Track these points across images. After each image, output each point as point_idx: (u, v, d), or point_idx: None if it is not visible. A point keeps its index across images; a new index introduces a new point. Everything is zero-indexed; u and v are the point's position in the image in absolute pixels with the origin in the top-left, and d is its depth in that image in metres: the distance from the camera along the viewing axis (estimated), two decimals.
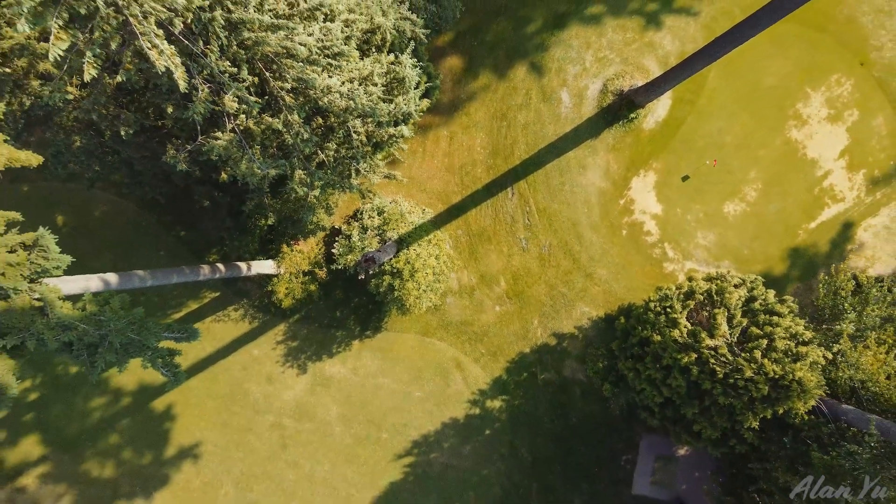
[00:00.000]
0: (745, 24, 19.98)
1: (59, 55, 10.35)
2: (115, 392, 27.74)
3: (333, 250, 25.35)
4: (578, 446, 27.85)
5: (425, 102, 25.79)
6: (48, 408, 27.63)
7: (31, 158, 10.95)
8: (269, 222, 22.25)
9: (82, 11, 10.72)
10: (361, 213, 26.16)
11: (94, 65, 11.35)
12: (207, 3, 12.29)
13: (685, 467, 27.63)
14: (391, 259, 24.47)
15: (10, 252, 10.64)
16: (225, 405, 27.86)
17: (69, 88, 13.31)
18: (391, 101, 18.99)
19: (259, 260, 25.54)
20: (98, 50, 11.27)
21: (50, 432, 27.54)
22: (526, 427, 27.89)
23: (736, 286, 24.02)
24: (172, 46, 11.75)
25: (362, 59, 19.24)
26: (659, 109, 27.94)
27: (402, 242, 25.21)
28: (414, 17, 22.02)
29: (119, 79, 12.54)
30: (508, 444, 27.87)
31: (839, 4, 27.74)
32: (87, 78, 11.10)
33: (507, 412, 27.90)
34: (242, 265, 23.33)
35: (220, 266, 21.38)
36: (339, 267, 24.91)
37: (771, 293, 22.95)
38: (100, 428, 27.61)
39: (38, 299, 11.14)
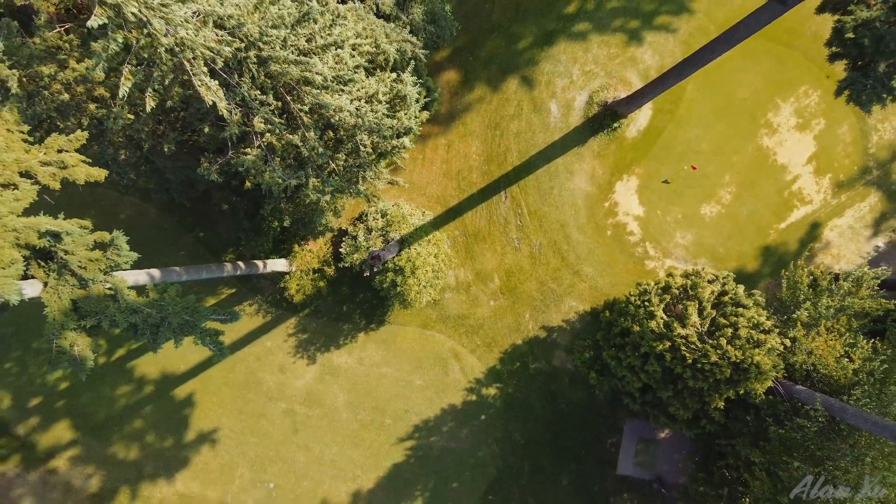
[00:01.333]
0: (719, 41, 22.46)
1: (126, 91, 13.10)
2: (139, 381, 30.52)
3: (341, 249, 28.10)
4: (567, 430, 30.58)
5: (425, 114, 28.61)
6: (78, 396, 30.40)
7: (101, 174, 13.66)
8: (285, 224, 24.94)
9: (146, 55, 13.51)
10: (366, 216, 28.91)
11: (153, 98, 14.12)
12: (244, 44, 15.05)
13: (665, 449, 30.35)
14: (394, 257, 27.23)
15: (89, 250, 13.37)
16: (240, 393, 30.63)
17: (126, 115, 16.04)
18: (394, 117, 21.75)
19: (273, 259, 28.30)
20: (157, 85, 14.06)
21: (79, 418, 30.30)
22: (518, 412, 30.63)
23: (710, 281, 26.72)
24: (216, 81, 14.53)
25: (368, 77, 21.99)
26: (641, 119, 30.70)
27: (404, 242, 27.95)
28: (414, 38, 24.85)
29: (168, 104, 15.32)
30: (502, 428, 30.61)
31: (806, 21, 30.48)
32: (148, 109, 13.87)
33: (501, 399, 30.64)
34: (259, 263, 26.12)
35: (241, 264, 24.15)
36: (346, 265, 27.68)
37: (741, 288, 25.64)
38: (125, 414, 30.38)
39: (109, 288, 13.85)
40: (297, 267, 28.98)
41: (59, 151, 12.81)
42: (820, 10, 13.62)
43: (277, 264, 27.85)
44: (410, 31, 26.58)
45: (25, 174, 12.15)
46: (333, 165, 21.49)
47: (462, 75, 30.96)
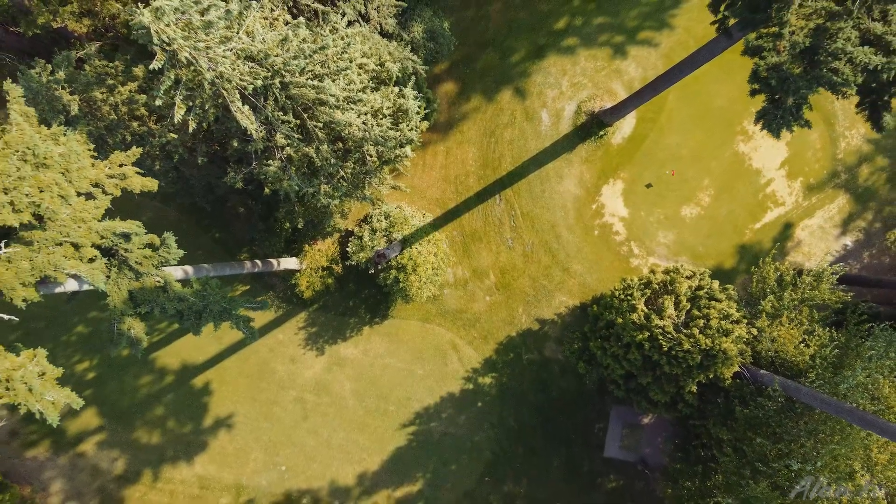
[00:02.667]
0: (686, 62, 25.18)
1: (180, 118, 15.94)
2: (160, 371, 33.39)
3: (347, 249, 30.94)
4: (557, 416, 33.40)
5: (424, 124, 31.45)
6: (104, 385, 33.26)
7: (153, 184, 16.44)
8: (298, 225, 27.77)
9: (192, 86, 16.38)
10: (371, 218, 31.74)
11: (195, 120, 16.98)
12: (269, 73, 17.91)
13: (648, 433, 33.16)
14: (397, 256, 30.07)
15: (143, 248, 16.15)
16: (254, 382, 33.48)
17: (170, 135, 18.87)
18: (397, 129, 24.58)
19: (285, 257, 31.16)
20: (199, 110, 16.93)
21: (105, 406, 33.15)
22: (512, 400, 33.46)
23: (688, 277, 29.51)
24: (247, 106, 17.40)
25: (373, 92, 24.83)
26: (625, 127, 33.52)
27: (406, 242, 30.78)
28: (414, 56, 27.69)
29: (204, 125, 18.20)
30: (497, 414, 33.44)
31: None
32: (190, 129, 16.73)
33: (497, 387, 33.47)
34: (273, 261, 28.97)
35: (258, 262, 27.01)
36: (353, 263, 30.53)
37: (715, 283, 28.42)
38: (148, 402, 33.24)
39: (159, 281, 16.62)
40: (307, 265, 31.83)
41: (121, 165, 15.61)
42: (743, 53, 16.32)
43: (289, 262, 30.69)
44: (411, 49, 29.42)
45: (96, 185, 14.92)
46: (342, 173, 24.32)
47: (459, 87, 33.82)
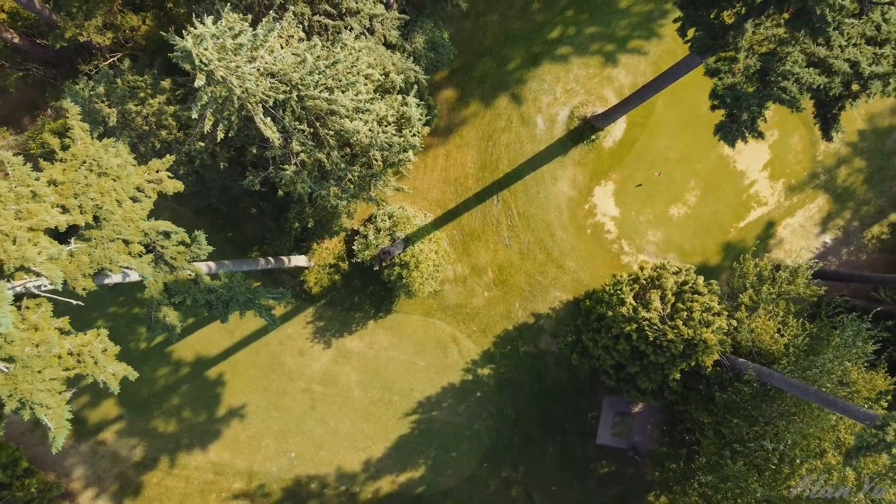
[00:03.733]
0: (667, 74, 27.57)
1: (211, 128, 18.20)
2: (176, 363, 35.63)
3: (353, 247, 33.17)
4: (552, 405, 35.65)
5: (426, 129, 33.79)
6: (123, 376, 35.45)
7: (181, 185, 18.66)
8: (308, 225, 30.01)
9: (221, 101, 18.64)
10: (375, 217, 33.97)
11: (223, 130, 19.23)
12: (288, 88, 20.16)
13: (639, 421, 35.40)
14: (400, 253, 32.32)
15: (177, 245, 18.36)
16: (265, 374, 35.72)
17: (198, 143, 21.11)
18: (400, 135, 26.81)
19: (295, 255, 33.41)
20: (226, 121, 19.18)
21: (124, 396, 35.34)
22: (510, 390, 35.70)
23: (674, 273, 31.77)
24: (269, 117, 19.64)
25: (379, 100, 27.05)
26: (616, 131, 35.78)
27: (408, 240, 33.02)
28: (416, 67, 29.89)
29: (230, 134, 20.47)
30: (495, 403, 35.68)
31: None
32: (219, 139, 18.98)
33: (495, 378, 35.71)
34: (284, 259, 31.23)
35: (271, 259, 29.27)
36: (358, 260, 32.77)
37: (700, 278, 30.61)
38: (165, 392, 35.49)
39: (190, 274, 18.81)
40: (315, 262, 34.09)
41: (157, 171, 17.82)
42: (704, 74, 18.51)
43: (299, 260, 32.94)
44: (413, 59, 31.64)
45: (139, 189, 17.12)
46: (350, 176, 26.56)
47: (459, 93, 36.07)
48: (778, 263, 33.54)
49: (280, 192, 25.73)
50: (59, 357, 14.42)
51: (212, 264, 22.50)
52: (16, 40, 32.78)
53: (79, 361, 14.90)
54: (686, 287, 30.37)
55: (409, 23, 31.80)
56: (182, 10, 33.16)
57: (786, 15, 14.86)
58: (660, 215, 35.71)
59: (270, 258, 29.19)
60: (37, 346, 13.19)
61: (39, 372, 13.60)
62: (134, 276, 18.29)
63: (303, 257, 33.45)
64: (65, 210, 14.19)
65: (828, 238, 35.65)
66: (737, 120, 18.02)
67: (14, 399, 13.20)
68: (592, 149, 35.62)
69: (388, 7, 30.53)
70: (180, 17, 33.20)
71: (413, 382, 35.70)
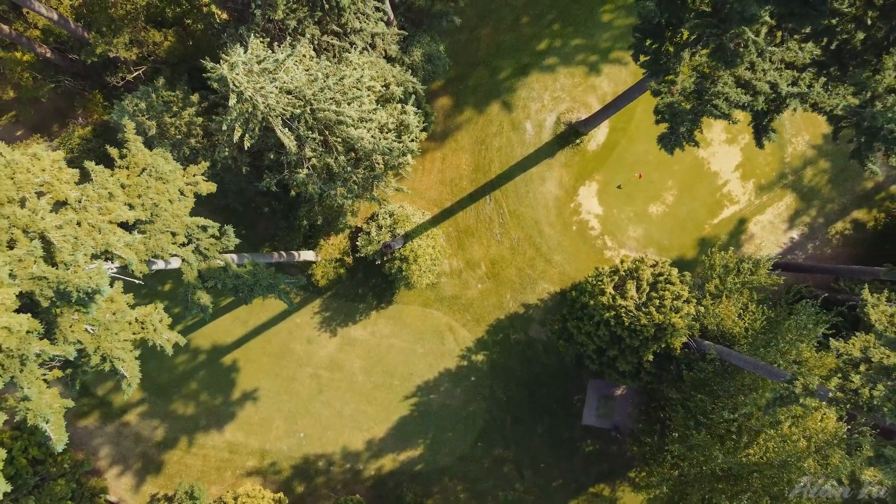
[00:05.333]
0: (635, 88, 31.07)
1: (238, 138, 21.89)
2: (194, 351, 39.36)
3: (357, 243, 36.86)
4: (541, 389, 39.30)
5: (423, 135, 37.42)
6: (145, 363, 38.71)
7: (213, 187, 22.28)
8: (318, 222, 33.73)
9: (247, 115, 22.37)
10: (377, 216, 37.64)
11: (248, 140, 22.95)
12: (302, 102, 23.88)
13: (620, 403, 39.04)
14: (400, 248, 36.01)
15: (209, 237, 22.00)
16: (276, 360, 39.42)
17: (225, 150, 24.85)
18: (400, 141, 30.51)
19: (303, 250, 37.13)
20: (250, 132, 22.91)
21: (147, 381, 39.04)
22: (502, 375, 39.37)
23: (651, 266, 35.42)
24: (286, 128, 23.37)
25: (381, 109, 30.74)
26: (599, 135, 39.47)
27: (408, 237, 36.69)
28: (414, 78, 33.60)
29: (253, 141, 24.19)
30: (489, 387, 39.35)
31: None
32: (245, 147, 22.69)
33: (488, 364, 39.38)
34: (295, 253, 34.97)
35: (283, 253, 32.99)
36: (362, 255, 36.45)
37: (674, 270, 34.21)
38: (184, 378, 39.21)
39: (220, 262, 22.44)
40: (322, 257, 37.81)
41: (194, 175, 21.49)
42: (651, 94, 22.18)
43: (308, 255, 36.67)
44: (411, 72, 35.34)
45: (180, 191, 20.78)
46: (355, 178, 30.27)
47: (454, 101, 39.79)
48: (742, 256, 37.15)
49: (292, 193, 29.49)
50: (129, 323, 18.10)
51: (234, 256, 26.21)
52: (48, 55, 36.51)
53: (142, 328, 18.60)
54: (661, 278, 34.02)
55: (408, 38, 35.48)
56: (199, 26, 37.05)
57: (708, 49, 18.51)
58: (640, 213, 39.38)
59: (283, 252, 32.91)
60: (113, 313, 16.89)
61: (116, 334, 17.25)
62: (174, 264, 21.97)
63: (311, 252, 37.16)
64: (131, 207, 17.87)
65: (795, 234, 39.30)
66: (676, 132, 21.68)
67: (98, 354, 16.80)
68: (577, 152, 39.30)
69: (388, 24, 34.21)
70: (198, 32, 37.09)
71: (412, 368, 39.36)
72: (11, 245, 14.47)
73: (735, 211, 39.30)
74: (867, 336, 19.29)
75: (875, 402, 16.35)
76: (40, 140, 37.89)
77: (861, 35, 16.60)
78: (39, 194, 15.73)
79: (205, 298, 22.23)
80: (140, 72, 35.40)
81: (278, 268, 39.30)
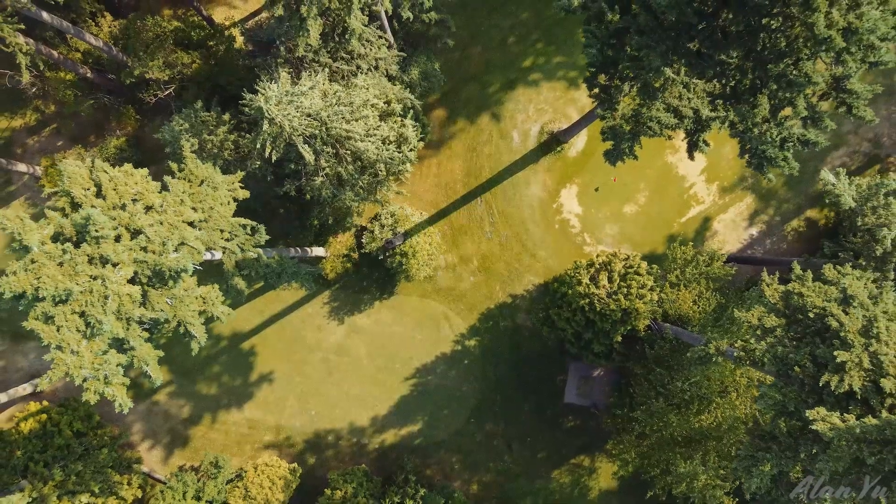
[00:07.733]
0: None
1: (270, 153, 27.85)
2: (216, 338, 45.33)
3: (362, 240, 42.84)
4: (527, 370, 45.19)
5: (420, 144, 43.40)
6: (172, 349, 44.97)
7: (246, 193, 28.20)
8: (328, 222, 39.70)
9: (275, 135, 28.37)
10: (380, 216, 43.56)
11: (275, 154, 28.95)
12: (318, 122, 29.84)
13: (598, 383, 44.92)
14: (400, 245, 41.97)
15: (246, 234, 27.88)
16: (289, 346, 45.36)
17: (255, 161, 30.84)
18: (400, 151, 36.45)
19: (315, 247, 43.13)
20: (277, 148, 28.88)
21: (174, 364, 45.03)
22: (492, 358, 45.27)
23: (623, 259, 41.33)
24: (306, 145, 29.35)
25: (383, 123, 36.64)
26: (578, 143, 45.40)
27: (407, 234, 42.64)
28: (412, 95, 39.55)
29: (279, 155, 30.17)
30: (480, 369, 45.26)
31: None
32: (273, 160, 28.67)
33: (480, 348, 45.29)
34: (308, 249, 40.98)
35: (298, 249, 38.98)
36: (366, 251, 42.43)
37: (644, 263, 40.02)
38: (207, 361, 45.17)
39: (253, 255, 28.30)
40: (331, 253, 43.81)
41: (232, 183, 27.45)
42: (598, 118, 27.95)
43: (318, 251, 42.67)
44: (410, 88, 41.28)
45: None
46: (361, 183, 36.21)
47: (448, 113, 45.77)
48: (700, 251, 43.11)
49: (307, 196, 35.49)
50: (195, 298, 24.01)
51: (260, 251, 32.23)
52: (88, 74, 42.57)
53: (204, 302, 24.53)
54: (631, 270, 39.98)
55: (406, 58, 41.40)
56: (222, 47, 43.13)
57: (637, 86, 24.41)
58: (616, 213, 45.29)
59: (298, 248, 38.90)
60: (185, 290, 22.79)
61: (188, 305, 23.13)
62: (217, 256, 27.92)
63: (321, 249, 43.15)
64: (195, 210, 23.78)
65: (754, 231, 45.18)
66: (618, 148, 27.63)
67: (174, 320, 22.63)
68: (559, 158, 45.22)
69: (389, 47, 40.21)
70: (220, 53, 43.16)
71: (412, 353, 45.29)
72: (118, 239, 20.34)
73: (701, 210, 45.19)
74: (762, 308, 25.10)
75: (757, 356, 21.94)
76: (80, 150, 43.96)
77: (747, 79, 22.50)
78: (134, 201, 21.63)
79: (241, 283, 28.18)
80: (171, 90, 41.45)
81: None
